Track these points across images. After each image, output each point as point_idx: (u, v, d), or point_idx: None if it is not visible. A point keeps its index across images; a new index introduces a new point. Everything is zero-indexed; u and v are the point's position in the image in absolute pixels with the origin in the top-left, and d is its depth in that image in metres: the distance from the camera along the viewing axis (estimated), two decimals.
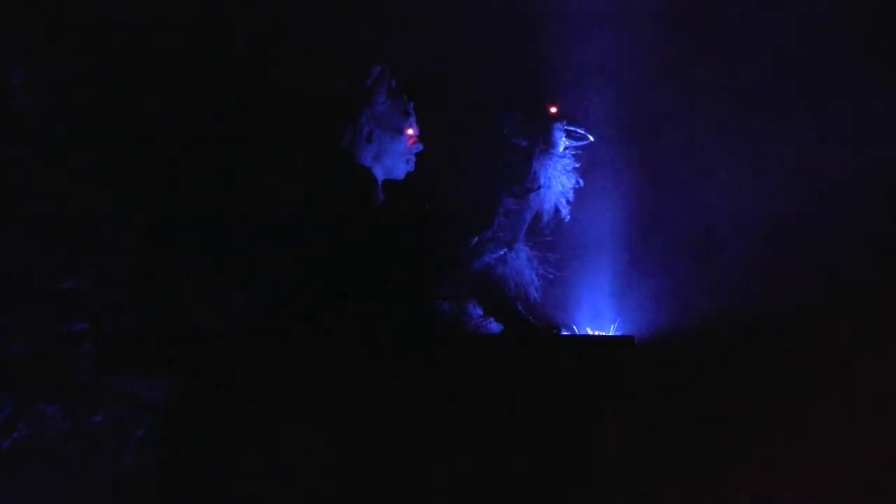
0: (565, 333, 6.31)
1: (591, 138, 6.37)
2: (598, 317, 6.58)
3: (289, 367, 6.04)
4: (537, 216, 6.35)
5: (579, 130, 6.34)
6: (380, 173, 6.32)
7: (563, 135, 6.33)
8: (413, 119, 6.34)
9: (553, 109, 6.30)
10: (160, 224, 6.52)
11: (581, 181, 6.37)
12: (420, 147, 6.35)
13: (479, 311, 6.24)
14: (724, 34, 6.84)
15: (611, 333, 6.49)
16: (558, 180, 6.31)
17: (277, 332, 6.06)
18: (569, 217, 6.36)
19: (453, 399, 5.98)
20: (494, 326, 6.23)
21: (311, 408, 6.01)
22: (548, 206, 6.33)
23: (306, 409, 6.01)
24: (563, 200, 6.34)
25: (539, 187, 6.29)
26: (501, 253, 6.29)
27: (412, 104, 6.35)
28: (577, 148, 6.37)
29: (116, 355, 6.17)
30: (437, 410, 5.98)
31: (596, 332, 6.49)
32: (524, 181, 6.27)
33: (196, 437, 6.07)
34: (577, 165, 6.35)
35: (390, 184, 6.36)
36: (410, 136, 6.32)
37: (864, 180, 6.77)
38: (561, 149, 6.32)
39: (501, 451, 5.97)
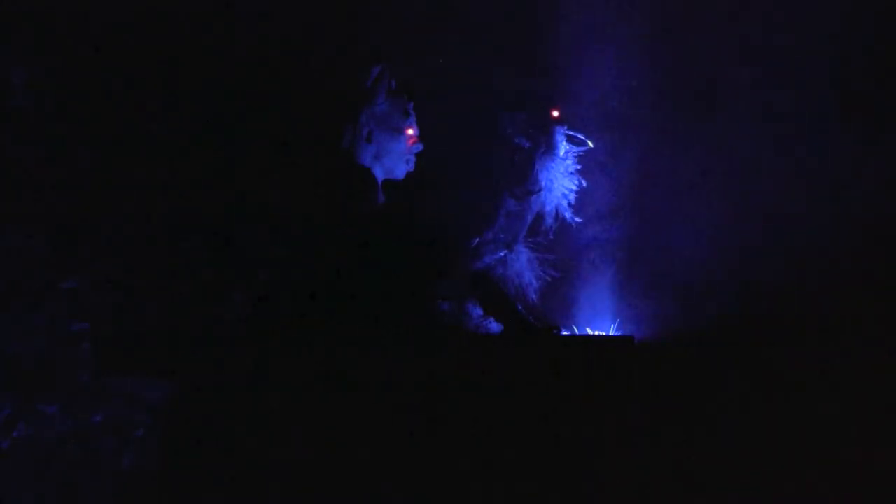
0: (565, 333, 6.31)
1: (591, 144, 6.36)
2: (598, 317, 6.58)
3: (289, 367, 6.03)
4: (538, 218, 6.34)
5: (579, 136, 6.33)
6: (380, 173, 6.31)
7: (564, 138, 6.32)
8: (413, 119, 6.33)
9: (555, 113, 6.29)
10: (160, 224, 6.53)
11: (584, 182, 6.36)
12: (420, 147, 6.33)
13: (479, 311, 6.24)
14: (725, 34, 6.84)
15: (611, 333, 6.50)
16: (559, 182, 6.31)
17: (277, 332, 6.05)
18: (569, 218, 6.36)
19: (453, 399, 5.98)
20: (494, 326, 6.23)
21: (310, 408, 6.01)
22: (549, 208, 6.33)
23: (306, 409, 6.00)
24: (565, 203, 6.33)
25: (540, 189, 6.28)
26: (502, 254, 6.29)
27: (412, 104, 6.33)
28: (577, 151, 6.37)
29: (116, 355, 6.16)
30: (437, 411, 5.98)
31: (596, 332, 6.49)
32: (526, 183, 6.27)
33: (196, 437, 6.06)
34: (578, 167, 6.34)
35: (390, 184, 6.35)
36: (410, 136, 6.31)
37: (864, 179, 6.78)
38: (562, 152, 6.32)
39: (501, 451, 5.96)
